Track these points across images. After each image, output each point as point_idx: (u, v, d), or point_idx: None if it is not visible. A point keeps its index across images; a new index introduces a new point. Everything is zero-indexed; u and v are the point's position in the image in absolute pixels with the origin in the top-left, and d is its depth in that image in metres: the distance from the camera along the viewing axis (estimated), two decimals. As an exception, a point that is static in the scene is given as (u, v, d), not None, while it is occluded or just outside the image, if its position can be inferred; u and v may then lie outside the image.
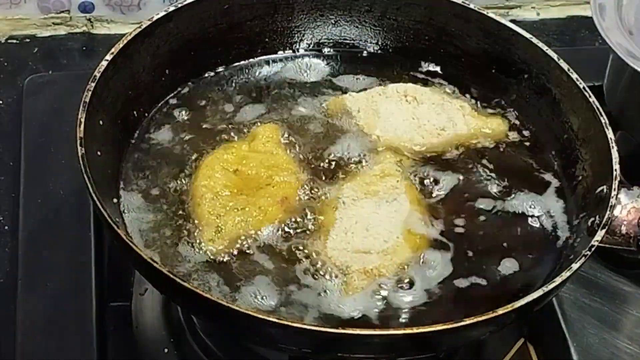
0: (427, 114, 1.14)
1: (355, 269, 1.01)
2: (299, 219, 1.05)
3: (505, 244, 1.06)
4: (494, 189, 1.10)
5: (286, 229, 1.04)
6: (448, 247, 1.04)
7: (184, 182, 1.07)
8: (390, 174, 1.09)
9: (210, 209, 1.03)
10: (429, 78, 1.20)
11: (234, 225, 1.03)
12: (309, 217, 1.05)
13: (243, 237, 1.03)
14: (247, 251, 1.02)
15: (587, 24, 1.21)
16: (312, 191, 1.07)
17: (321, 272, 1.01)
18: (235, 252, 1.02)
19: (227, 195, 1.05)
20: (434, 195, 1.09)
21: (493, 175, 1.11)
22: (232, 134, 1.12)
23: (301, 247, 1.03)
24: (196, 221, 1.03)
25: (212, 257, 1.01)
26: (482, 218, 1.07)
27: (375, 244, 1.03)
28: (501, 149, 1.14)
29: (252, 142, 1.10)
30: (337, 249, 1.02)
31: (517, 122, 1.17)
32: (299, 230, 1.04)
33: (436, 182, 1.10)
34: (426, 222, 1.06)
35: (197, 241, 1.02)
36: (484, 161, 1.12)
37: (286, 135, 1.12)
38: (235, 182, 1.06)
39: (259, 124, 1.13)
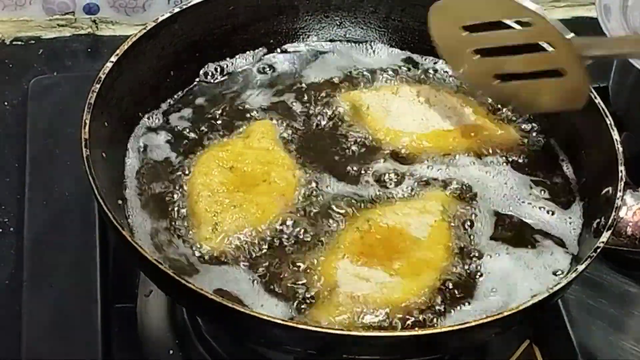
0: (438, 116, 1.14)
1: (342, 290, 0.98)
2: (297, 218, 1.04)
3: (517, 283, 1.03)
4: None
5: (284, 227, 1.03)
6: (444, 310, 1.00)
7: (187, 182, 1.07)
8: (431, 212, 1.05)
9: (207, 207, 1.03)
10: (434, 79, 1.20)
11: (231, 223, 1.02)
12: (309, 216, 1.04)
13: (240, 235, 1.02)
14: (245, 249, 1.02)
15: (592, 25, 1.21)
16: (312, 189, 1.07)
17: (312, 284, 0.99)
18: (233, 251, 1.01)
19: (224, 192, 1.04)
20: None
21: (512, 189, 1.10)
22: (236, 133, 1.12)
23: (298, 252, 1.02)
24: (193, 219, 1.03)
25: (210, 255, 1.01)
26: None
27: (378, 275, 1.00)
28: (512, 155, 1.14)
29: (247, 139, 1.10)
30: (339, 268, 1.00)
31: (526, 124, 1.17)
32: (297, 230, 1.03)
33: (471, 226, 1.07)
34: (440, 271, 1.02)
35: (195, 240, 1.02)
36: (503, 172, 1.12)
37: (287, 132, 1.12)
38: (231, 179, 1.05)
39: (255, 121, 1.13)
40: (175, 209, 1.05)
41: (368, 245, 1.01)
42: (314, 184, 1.07)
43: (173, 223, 1.04)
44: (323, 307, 0.98)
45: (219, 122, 1.13)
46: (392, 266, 1.00)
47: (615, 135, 1.06)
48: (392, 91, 1.16)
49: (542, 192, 1.10)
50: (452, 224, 1.05)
